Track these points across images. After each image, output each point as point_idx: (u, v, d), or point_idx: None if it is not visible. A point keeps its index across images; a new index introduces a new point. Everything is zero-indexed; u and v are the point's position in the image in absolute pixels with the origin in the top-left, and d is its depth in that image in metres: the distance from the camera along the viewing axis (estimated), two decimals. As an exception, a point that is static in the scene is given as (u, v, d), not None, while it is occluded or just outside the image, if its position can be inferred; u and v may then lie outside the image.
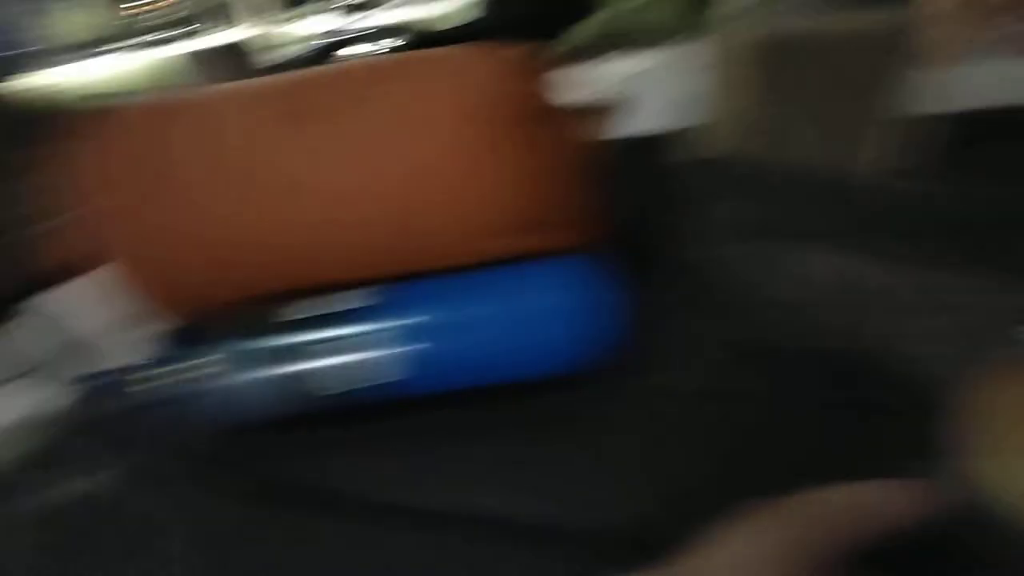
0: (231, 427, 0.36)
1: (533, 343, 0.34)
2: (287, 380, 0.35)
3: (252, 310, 0.38)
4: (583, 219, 0.39)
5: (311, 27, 1.31)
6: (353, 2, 1.36)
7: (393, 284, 0.37)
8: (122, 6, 1.37)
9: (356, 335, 0.35)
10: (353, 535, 0.31)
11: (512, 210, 0.37)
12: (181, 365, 0.36)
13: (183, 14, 1.39)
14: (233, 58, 1.19)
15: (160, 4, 1.38)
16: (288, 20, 1.38)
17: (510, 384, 0.35)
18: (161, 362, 0.37)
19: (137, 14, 1.38)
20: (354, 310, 0.36)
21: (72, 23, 1.34)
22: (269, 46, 1.24)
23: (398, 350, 0.34)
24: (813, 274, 0.41)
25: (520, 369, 0.35)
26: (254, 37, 1.25)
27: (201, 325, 0.38)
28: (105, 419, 0.38)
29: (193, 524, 0.33)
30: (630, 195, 0.45)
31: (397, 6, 1.25)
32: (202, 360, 0.36)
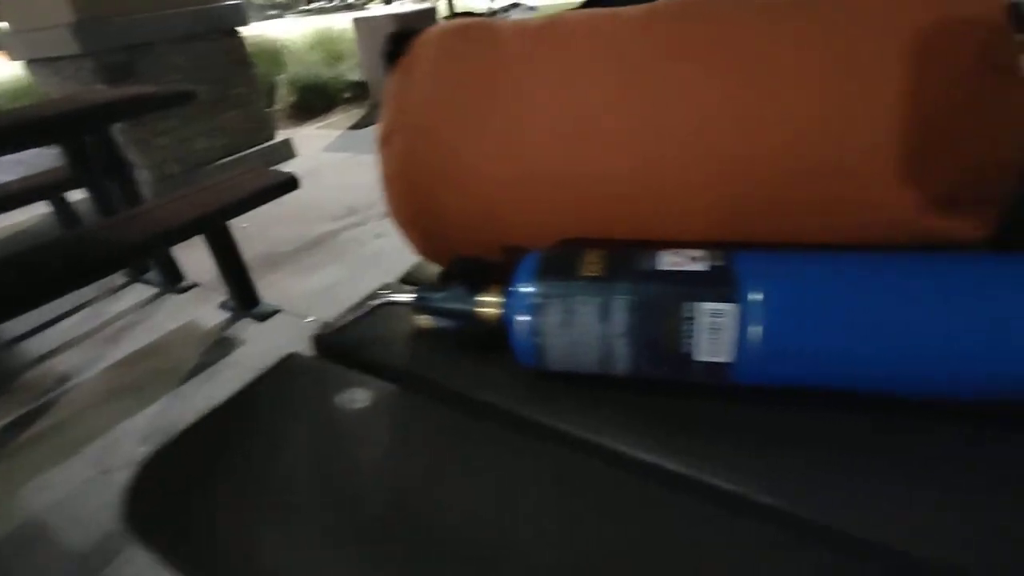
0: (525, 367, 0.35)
1: (963, 356, 0.28)
2: (593, 333, 0.32)
3: (577, 254, 0.35)
4: (997, 207, 0.32)
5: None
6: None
7: (750, 251, 0.32)
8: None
9: (682, 301, 0.30)
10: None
11: (953, 185, 0.29)
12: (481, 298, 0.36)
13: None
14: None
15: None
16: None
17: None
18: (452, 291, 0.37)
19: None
20: (688, 273, 0.31)
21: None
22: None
23: (735, 327, 0.29)
24: None
25: (924, 382, 0.29)
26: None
27: (503, 260, 0.36)
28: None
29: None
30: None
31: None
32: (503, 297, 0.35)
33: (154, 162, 2.71)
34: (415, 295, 0.39)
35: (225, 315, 1.80)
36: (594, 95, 0.37)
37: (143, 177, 2.63)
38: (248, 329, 1.71)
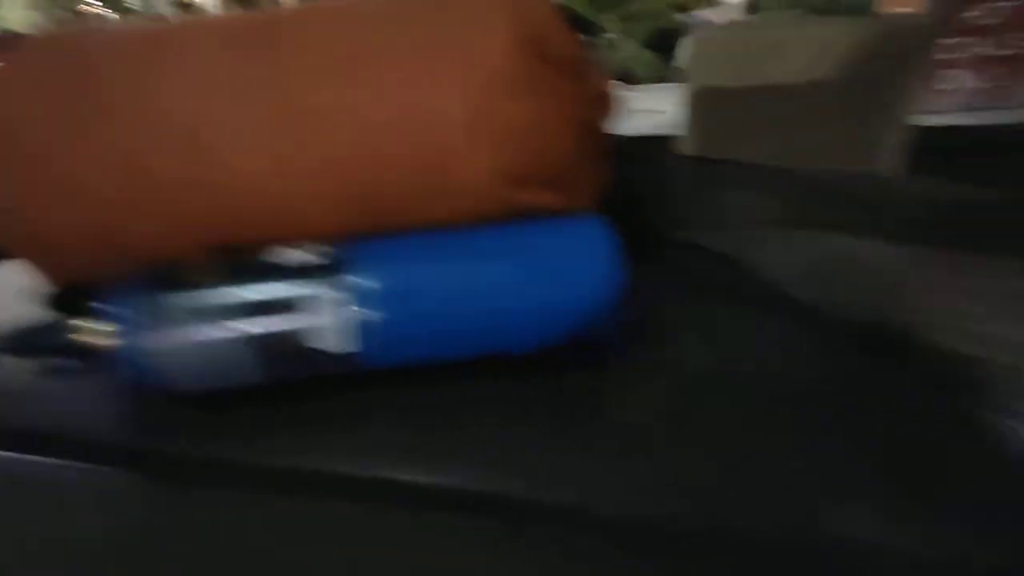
0: (150, 396, 0.32)
1: (537, 309, 0.32)
2: (214, 344, 0.30)
3: (180, 264, 0.32)
4: (588, 185, 0.37)
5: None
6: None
7: (359, 240, 0.32)
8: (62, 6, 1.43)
9: (299, 296, 0.30)
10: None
11: (521, 162, 0.33)
12: (90, 323, 0.31)
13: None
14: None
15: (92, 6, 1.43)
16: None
17: (498, 356, 0.32)
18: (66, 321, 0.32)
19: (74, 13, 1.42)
20: (302, 267, 0.31)
21: (13, 16, 1.39)
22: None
23: (354, 316, 0.30)
24: (833, 257, 0.43)
25: (513, 338, 0.32)
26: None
27: (107, 281, 0.33)
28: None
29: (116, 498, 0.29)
30: (625, 178, 0.44)
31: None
32: (112, 320, 0.30)
33: None
34: (-1, 337, 0.32)
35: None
36: (189, 101, 0.34)
37: None
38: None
